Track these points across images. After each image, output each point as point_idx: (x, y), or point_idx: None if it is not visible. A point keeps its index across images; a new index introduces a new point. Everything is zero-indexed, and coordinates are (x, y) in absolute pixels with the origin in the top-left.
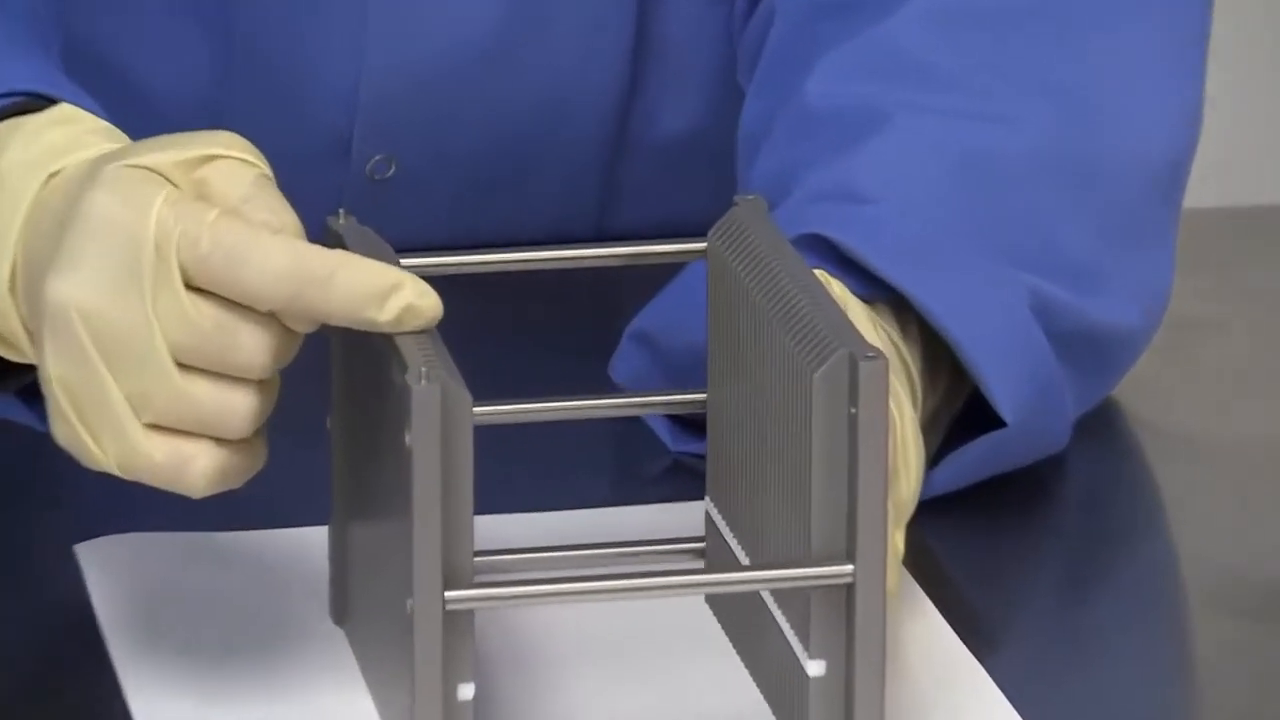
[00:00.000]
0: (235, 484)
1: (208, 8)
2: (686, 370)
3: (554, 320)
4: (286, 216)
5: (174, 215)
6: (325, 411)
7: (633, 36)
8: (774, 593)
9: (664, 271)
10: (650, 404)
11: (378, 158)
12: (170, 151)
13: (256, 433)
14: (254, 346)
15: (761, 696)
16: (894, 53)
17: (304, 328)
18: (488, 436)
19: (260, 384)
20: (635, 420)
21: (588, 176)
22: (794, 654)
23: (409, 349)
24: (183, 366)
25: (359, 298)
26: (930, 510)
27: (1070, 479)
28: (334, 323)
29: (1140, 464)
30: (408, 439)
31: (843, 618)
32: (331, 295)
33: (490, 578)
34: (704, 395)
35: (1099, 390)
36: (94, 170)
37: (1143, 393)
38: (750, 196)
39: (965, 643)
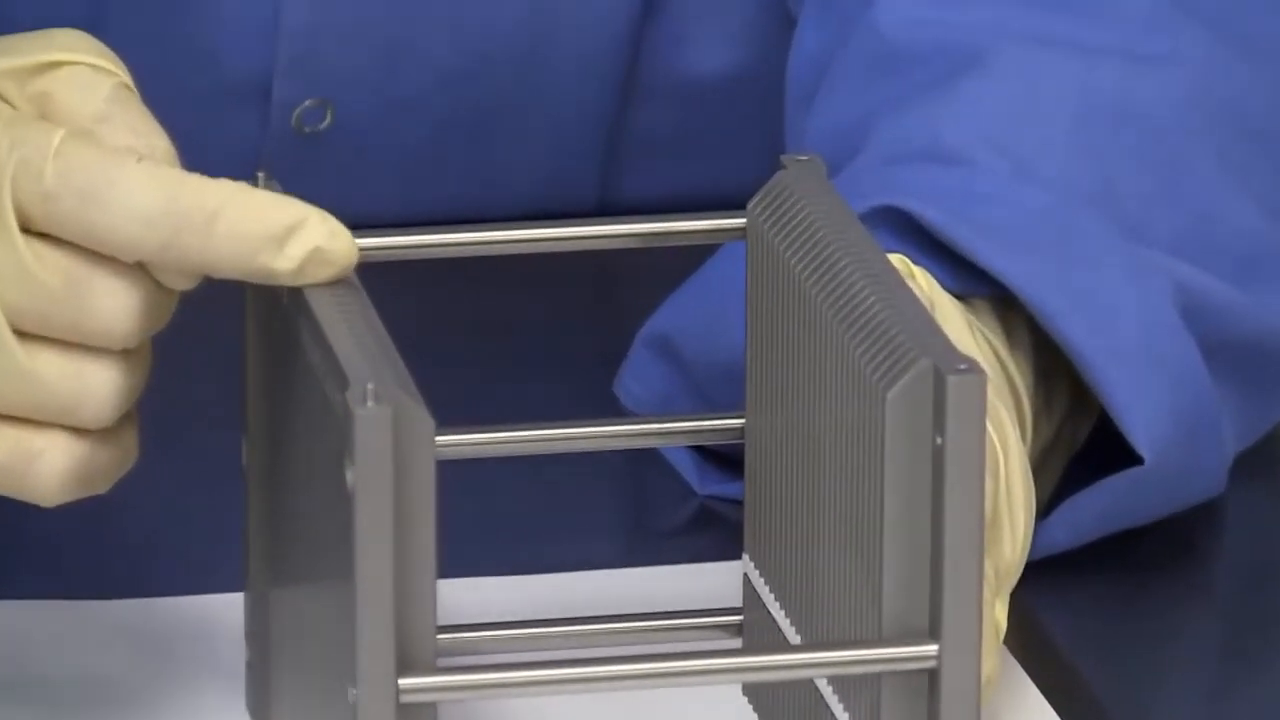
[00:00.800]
0: (100, 487)
1: None
2: (718, 387)
3: (545, 322)
4: (156, 139)
5: (8, 142)
6: (239, 444)
7: None
8: (832, 681)
9: (690, 257)
10: (671, 432)
11: (307, 103)
12: (0, 58)
13: (124, 419)
14: (114, 308)
15: None
16: None
17: (181, 284)
18: (457, 474)
19: (125, 355)
20: (651, 454)
21: (586, 130)
22: None
23: (351, 359)
24: (25, 336)
25: (249, 242)
26: (1041, 573)
27: (1229, 534)
28: (218, 275)
29: None
30: (350, 477)
31: (923, 713)
32: (213, 240)
33: (459, 660)
34: (741, 421)
35: (1267, 417)
36: None
37: None
38: (804, 157)
39: None
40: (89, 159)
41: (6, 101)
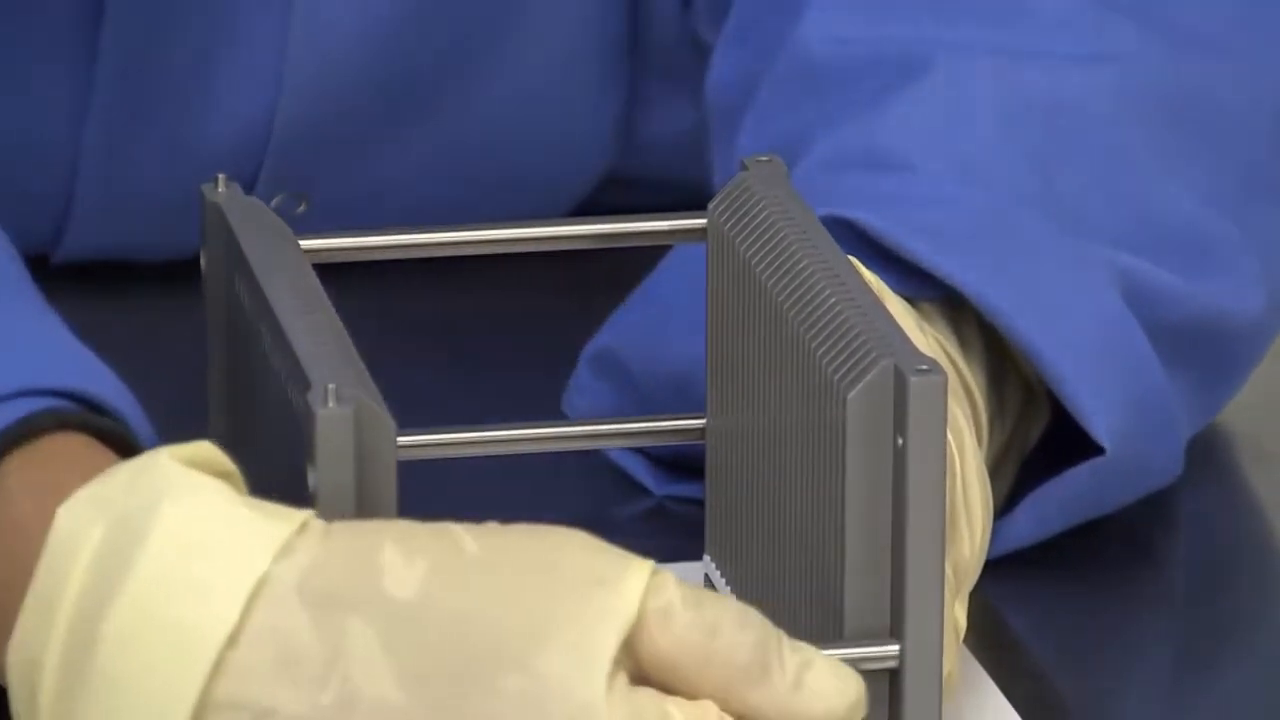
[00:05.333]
0: None
1: (71, 33)
2: (664, 399)
3: (507, 324)
4: (756, 622)
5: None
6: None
7: (622, 37)
8: None
9: (653, 259)
10: (633, 433)
11: (284, 195)
12: (602, 634)
13: None
14: None
15: None
16: None
17: None
18: (416, 475)
19: None
20: (605, 459)
21: (562, 204)
22: None
23: (312, 361)
24: None
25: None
26: (1000, 572)
27: (1182, 531)
28: None
29: (1275, 512)
30: (311, 479)
31: (884, 712)
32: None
33: None
34: (702, 422)
35: (1217, 399)
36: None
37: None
38: (764, 158)
39: None
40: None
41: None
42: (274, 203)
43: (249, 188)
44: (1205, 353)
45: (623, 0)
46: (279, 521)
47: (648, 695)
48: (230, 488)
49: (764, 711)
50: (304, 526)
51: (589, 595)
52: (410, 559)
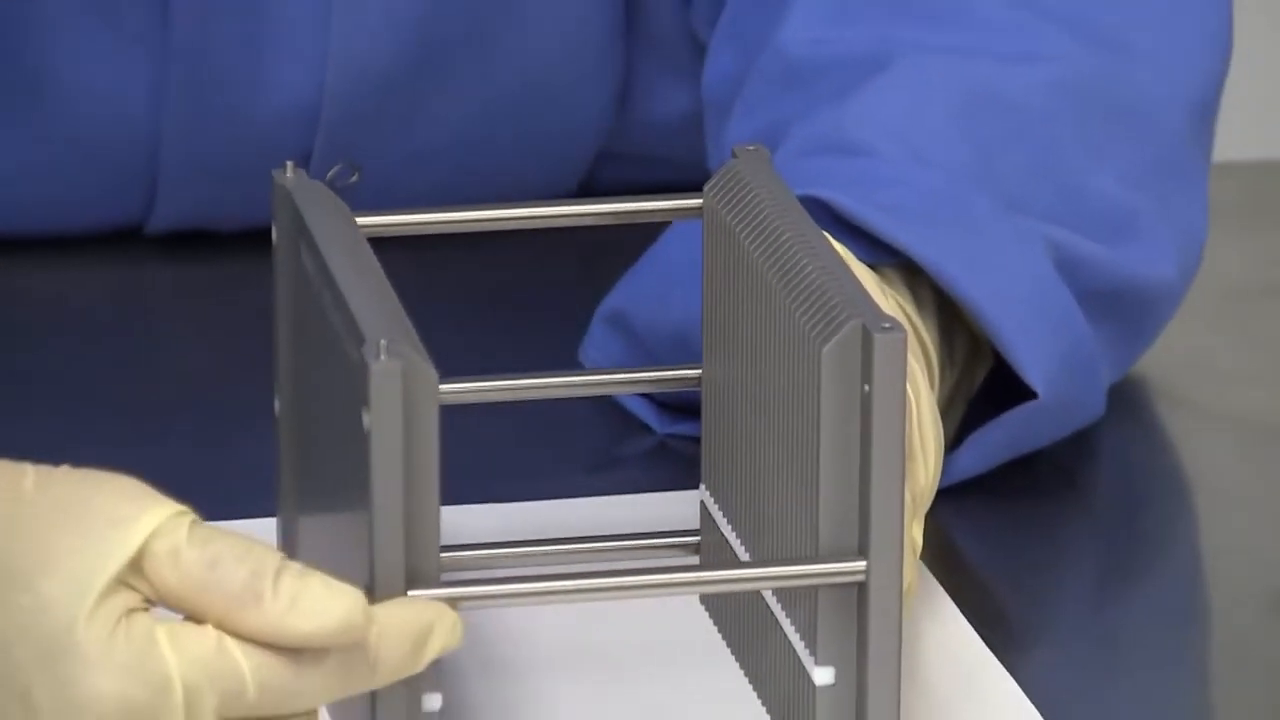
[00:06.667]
0: None
1: (145, 21)
2: (666, 351)
3: (529, 289)
4: (260, 552)
5: (204, 675)
6: (271, 392)
7: (622, 17)
8: (777, 593)
9: (656, 232)
10: (640, 381)
11: (339, 165)
12: (99, 565)
13: None
14: None
15: (763, 708)
16: None
17: None
18: (452, 418)
19: None
20: (614, 403)
21: (570, 172)
22: (799, 660)
23: (367, 320)
24: None
25: (402, 668)
26: (950, 500)
27: (1105, 465)
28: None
29: (1184, 448)
30: (366, 421)
31: (853, 619)
32: (379, 678)
33: (458, 576)
34: (698, 372)
35: (1133, 352)
36: (57, 637)
37: (1190, 369)
38: (751, 147)
39: (988, 644)
40: (281, 681)
41: (135, 590)
42: (330, 173)
43: (306, 159)
44: (1124, 312)
45: None
46: None
47: (141, 618)
48: None
49: (260, 632)
50: None
51: (100, 533)
52: None
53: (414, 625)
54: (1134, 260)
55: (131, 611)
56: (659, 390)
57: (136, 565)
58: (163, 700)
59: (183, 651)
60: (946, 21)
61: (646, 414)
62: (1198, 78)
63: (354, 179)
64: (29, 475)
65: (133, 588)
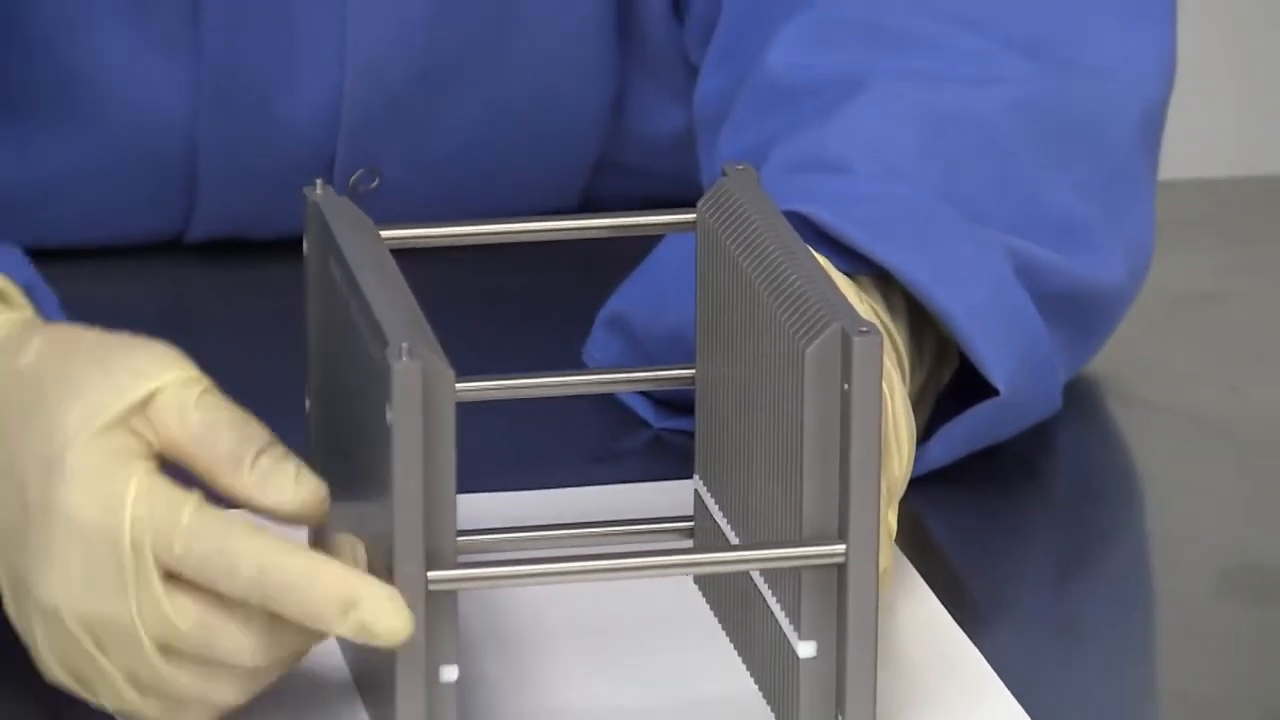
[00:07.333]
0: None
1: (180, 34)
2: (663, 353)
3: (537, 296)
4: (251, 429)
5: (149, 513)
6: (303, 390)
7: (615, 32)
8: (764, 573)
9: (653, 245)
10: (638, 379)
11: (361, 171)
12: (111, 401)
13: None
14: (234, 644)
15: (751, 679)
16: (861, 18)
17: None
18: (466, 413)
19: (254, 670)
20: (617, 400)
21: (572, 180)
22: (784, 636)
23: (390, 325)
24: (170, 651)
25: (317, 609)
26: (921, 489)
27: (1063, 458)
28: (309, 625)
29: (1135, 443)
30: (389, 417)
31: (834, 598)
32: (292, 604)
33: (473, 558)
34: (692, 371)
35: (1087, 352)
36: (56, 451)
37: (1141, 369)
38: (740, 166)
39: (958, 622)
40: (208, 534)
41: (141, 457)
42: (353, 179)
43: (329, 167)
44: (1078, 314)
45: (612, 6)
46: None
47: (135, 464)
48: None
49: (230, 493)
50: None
51: (120, 378)
52: (29, 343)
53: (347, 588)
54: (1087, 266)
55: (130, 456)
56: (656, 388)
57: (144, 410)
58: (113, 522)
59: (145, 496)
60: (917, 49)
61: (644, 410)
62: (1146, 96)
63: (375, 184)
64: (90, 334)
65: (138, 434)
